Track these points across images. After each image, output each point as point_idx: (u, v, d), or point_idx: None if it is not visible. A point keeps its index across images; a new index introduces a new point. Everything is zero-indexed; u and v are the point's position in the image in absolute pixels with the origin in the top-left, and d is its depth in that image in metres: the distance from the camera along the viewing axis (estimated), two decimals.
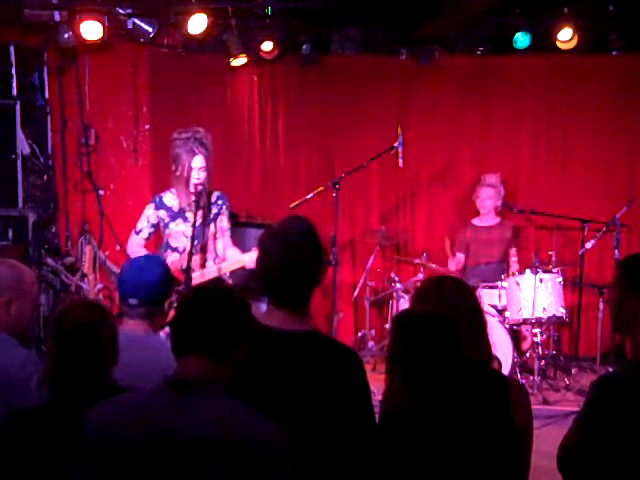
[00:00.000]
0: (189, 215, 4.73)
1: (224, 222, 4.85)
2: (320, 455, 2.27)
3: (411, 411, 2.17)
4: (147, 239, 4.85)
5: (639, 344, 2.32)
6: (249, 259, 4.60)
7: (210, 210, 4.78)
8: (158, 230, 4.87)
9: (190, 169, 4.66)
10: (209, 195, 4.79)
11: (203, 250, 4.74)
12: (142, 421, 1.93)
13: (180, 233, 4.75)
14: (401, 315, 2.44)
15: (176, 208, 4.80)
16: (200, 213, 4.60)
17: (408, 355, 2.23)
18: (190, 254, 4.46)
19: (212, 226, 4.79)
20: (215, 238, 4.83)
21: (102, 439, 1.95)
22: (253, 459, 1.87)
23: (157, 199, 4.85)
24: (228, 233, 4.88)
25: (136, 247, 4.80)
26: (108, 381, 2.32)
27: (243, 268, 4.73)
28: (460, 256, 6.80)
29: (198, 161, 4.68)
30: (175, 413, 1.91)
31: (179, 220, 4.78)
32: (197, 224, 4.57)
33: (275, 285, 2.37)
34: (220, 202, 4.84)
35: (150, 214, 4.82)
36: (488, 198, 6.73)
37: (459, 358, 2.22)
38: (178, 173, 4.73)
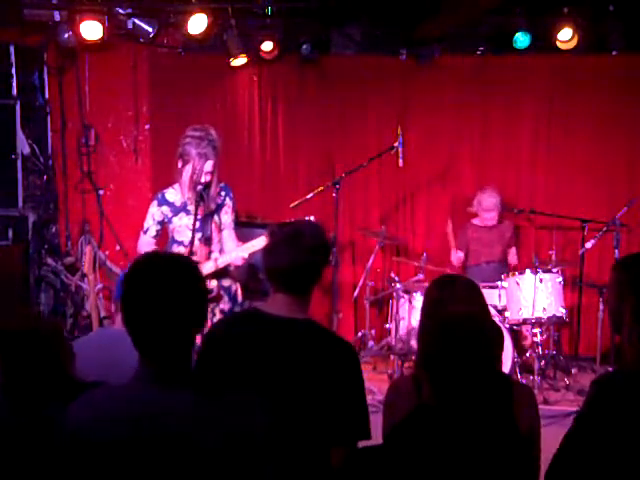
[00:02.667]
0: (191, 208, 4.74)
1: (226, 215, 4.86)
2: (310, 439, 2.31)
3: (434, 412, 2.15)
4: (156, 237, 4.85)
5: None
6: (251, 247, 4.63)
7: (211, 205, 4.79)
8: (165, 227, 4.88)
9: (201, 172, 4.68)
10: (211, 204, 4.80)
11: (207, 243, 4.75)
12: (125, 412, 1.92)
13: (184, 227, 4.76)
14: (444, 316, 2.36)
15: (178, 203, 4.81)
16: (200, 209, 4.61)
17: (445, 356, 2.17)
18: (191, 250, 4.47)
19: (216, 218, 4.80)
20: (219, 230, 4.84)
21: (85, 435, 1.93)
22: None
23: (159, 196, 4.86)
24: (231, 226, 4.88)
25: (146, 247, 4.80)
26: (70, 379, 2.34)
27: (243, 265, 4.74)
28: (460, 254, 6.81)
29: (209, 165, 4.70)
30: (151, 404, 1.91)
31: (182, 214, 4.79)
32: (198, 219, 4.58)
33: (280, 267, 2.45)
34: (223, 194, 4.85)
35: (154, 212, 4.83)
36: (491, 219, 6.74)
37: (490, 363, 2.19)
38: (186, 172, 4.73)
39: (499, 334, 2.37)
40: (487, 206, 6.70)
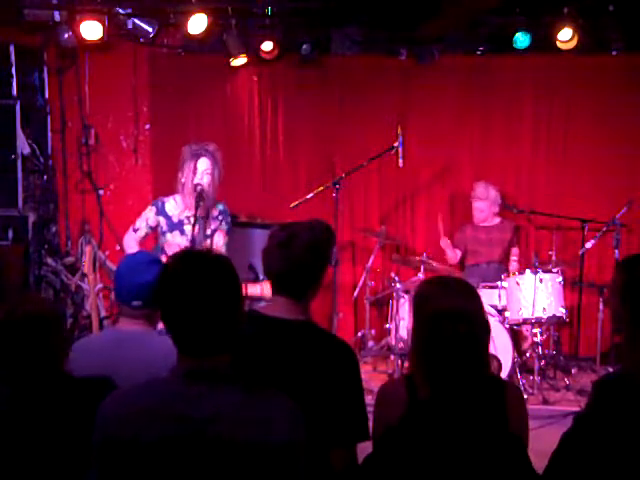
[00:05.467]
0: (187, 228, 4.76)
1: (220, 239, 4.88)
2: (309, 441, 2.31)
3: (430, 409, 2.14)
4: (143, 238, 4.88)
5: None
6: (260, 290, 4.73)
7: (209, 224, 4.81)
8: (155, 231, 4.89)
9: (195, 170, 4.69)
10: (211, 208, 4.81)
11: None
12: (163, 411, 1.91)
13: (176, 245, 4.76)
14: (438, 309, 2.30)
15: (176, 219, 4.81)
16: (201, 222, 4.62)
17: (436, 350, 2.16)
18: None
19: (208, 242, 4.79)
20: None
21: (121, 433, 1.91)
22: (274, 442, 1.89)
23: (159, 204, 4.86)
24: (224, 249, 4.89)
25: (131, 242, 4.83)
26: (62, 374, 2.32)
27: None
28: (457, 252, 6.82)
29: (203, 163, 4.70)
30: (194, 401, 1.91)
31: (176, 232, 4.80)
32: (197, 224, 4.59)
33: (274, 271, 2.48)
34: (220, 218, 4.86)
35: (150, 217, 4.83)
36: (480, 211, 6.74)
37: (483, 358, 2.19)
38: (183, 179, 4.75)
39: (487, 331, 2.36)
40: (476, 194, 6.73)
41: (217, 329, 1.95)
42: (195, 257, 2.05)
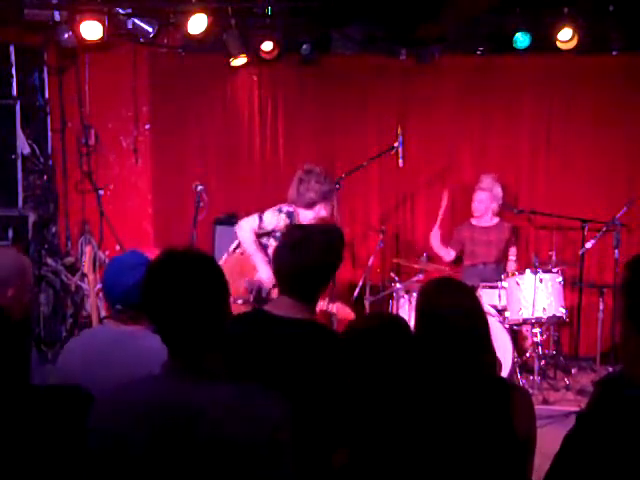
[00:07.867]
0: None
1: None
2: (313, 440, 2.30)
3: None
4: (257, 237, 5.08)
5: None
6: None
7: None
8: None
9: None
10: None
11: None
12: (152, 408, 1.91)
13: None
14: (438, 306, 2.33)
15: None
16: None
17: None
18: None
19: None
20: None
21: (113, 430, 1.91)
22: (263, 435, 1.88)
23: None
24: None
25: (249, 233, 5.04)
26: (28, 384, 2.20)
27: None
28: (451, 251, 6.82)
29: None
30: (182, 398, 1.90)
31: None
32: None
33: (282, 270, 2.50)
34: None
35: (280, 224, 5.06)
36: (480, 202, 6.71)
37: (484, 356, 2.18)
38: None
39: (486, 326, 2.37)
40: (480, 185, 6.70)
41: (203, 327, 1.94)
42: (177, 257, 2.02)
